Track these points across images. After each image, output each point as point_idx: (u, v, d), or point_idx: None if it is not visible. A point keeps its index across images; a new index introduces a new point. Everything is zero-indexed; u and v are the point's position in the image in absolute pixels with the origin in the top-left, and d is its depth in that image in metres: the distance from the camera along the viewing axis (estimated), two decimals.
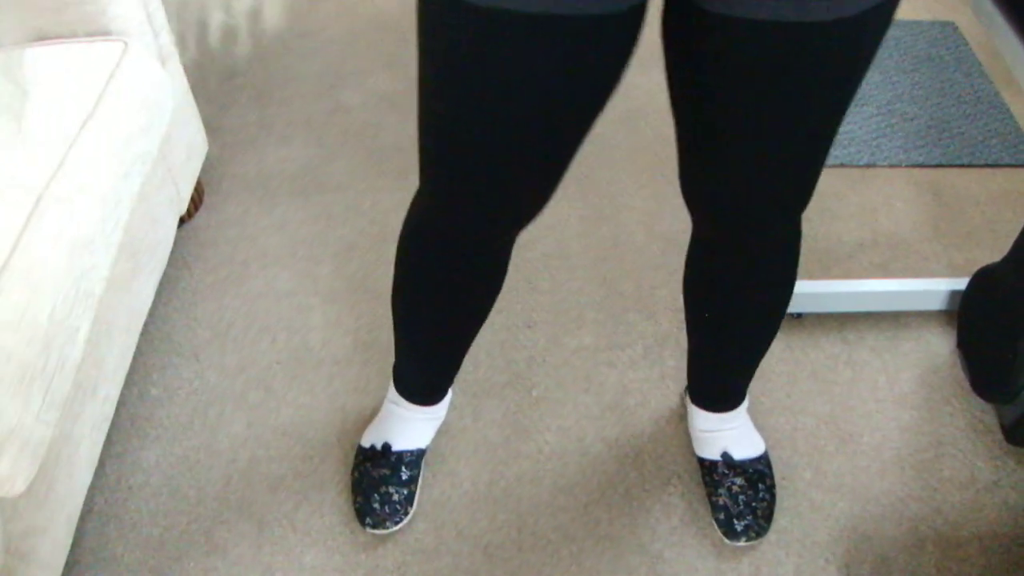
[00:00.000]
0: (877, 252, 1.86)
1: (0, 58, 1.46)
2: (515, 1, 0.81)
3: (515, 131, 0.93)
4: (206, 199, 1.96)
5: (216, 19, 2.51)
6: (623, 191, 2.00)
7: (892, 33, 2.47)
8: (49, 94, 1.38)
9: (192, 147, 1.80)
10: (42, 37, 1.54)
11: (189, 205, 1.88)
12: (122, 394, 1.62)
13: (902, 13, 2.55)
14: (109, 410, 1.44)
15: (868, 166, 2.06)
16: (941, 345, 1.69)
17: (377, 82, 2.30)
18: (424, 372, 1.43)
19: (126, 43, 1.49)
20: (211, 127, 2.14)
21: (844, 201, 1.97)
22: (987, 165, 2.07)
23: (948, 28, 2.49)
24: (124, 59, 1.46)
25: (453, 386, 1.60)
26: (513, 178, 1.00)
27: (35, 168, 1.24)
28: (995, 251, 1.87)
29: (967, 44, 2.44)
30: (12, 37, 1.55)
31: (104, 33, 1.54)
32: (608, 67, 0.91)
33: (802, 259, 1.83)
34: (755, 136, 0.97)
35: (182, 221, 1.88)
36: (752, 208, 1.09)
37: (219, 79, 2.30)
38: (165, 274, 1.81)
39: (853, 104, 2.21)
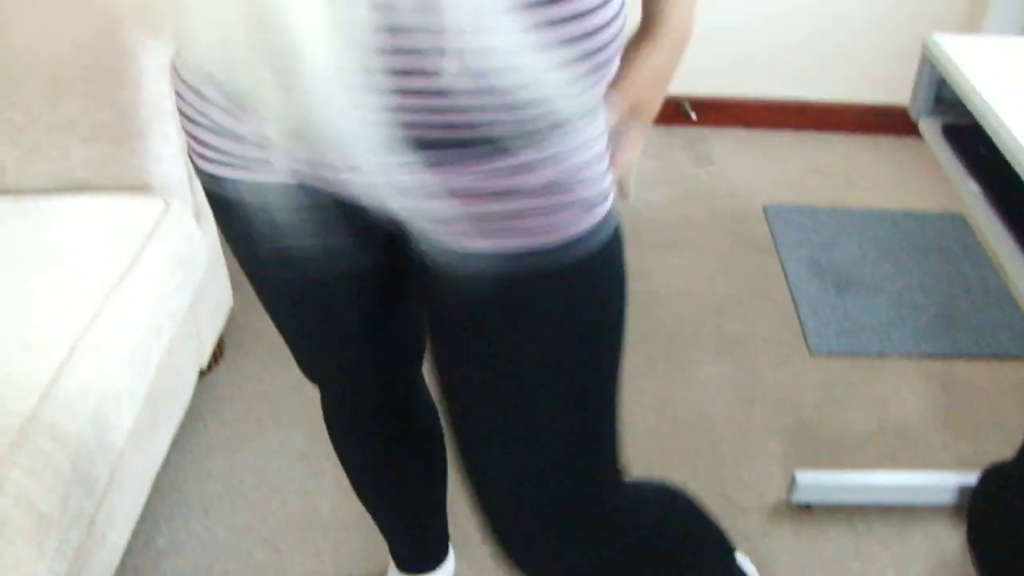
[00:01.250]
0: (886, 442, 1.87)
1: (42, 206, 1.53)
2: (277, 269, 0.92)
3: (306, 324, 1.01)
4: (226, 353, 2.00)
5: None
6: (636, 373, 2.03)
7: (903, 224, 2.54)
8: (90, 245, 1.44)
9: (218, 302, 1.85)
10: (84, 187, 1.61)
11: (210, 358, 1.91)
12: (128, 543, 1.62)
13: (913, 204, 2.63)
14: (115, 558, 1.44)
15: (878, 356, 2.09)
16: (951, 540, 1.69)
17: None
18: (400, 542, 1.43)
19: (167, 202, 1.56)
20: (235, 281, 2.19)
21: (854, 391, 1.99)
22: (996, 357, 2.10)
23: (957, 220, 2.57)
24: (164, 218, 1.52)
25: (454, 548, 1.60)
26: (333, 355, 1.06)
27: (71, 318, 1.28)
28: (1004, 444, 1.88)
29: (975, 236, 2.51)
30: (56, 185, 1.61)
31: (145, 188, 1.61)
32: (373, 292, 0.98)
33: (811, 448, 1.85)
34: (492, 424, 0.88)
35: (201, 373, 1.92)
36: (519, 523, 0.94)
37: None
38: (181, 425, 1.83)
39: (865, 293, 2.26)
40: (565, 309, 0.83)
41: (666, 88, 0.92)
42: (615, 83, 0.85)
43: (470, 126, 0.71)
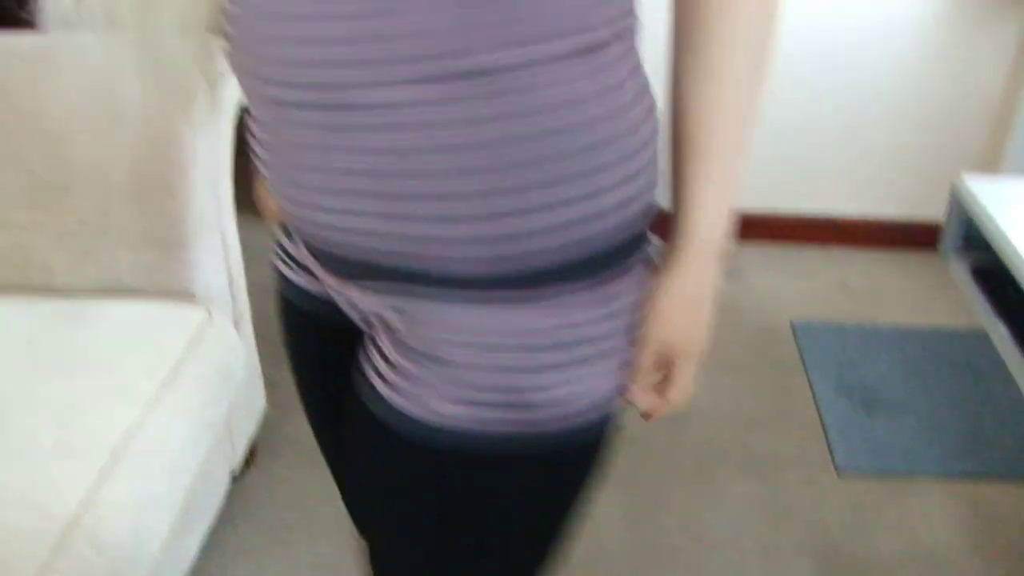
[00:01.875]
0: (916, 568, 1.85)
1: (89, 309, 1.57)
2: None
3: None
4: (259, 457, 2.02)
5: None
6: (661, 492, 2.03)
7: (932, 341, 2.55)
8: (134, 352, 1.48)
9: (252, 406, 1.88)
10: (130, 293, 1.65)
11: (242, 463, 1.93)
12: None
13: (941, 320, 2.64)
14: None
15: (907, 476, 2.08)
16: None
17: None
18: None
19: (209, 311, 1.60)
20: (269, 383, 2.22)
21: (883, 512, 1.98)
22: None
23: (985, 338, 2.57)
24: (207, 327, 1.56)
25: None
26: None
27: (113, 426, 1.32)
28: None
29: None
30: (102, 288, 1.66)
31: (188, 295, 1.65)
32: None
33: (840, 571, 1.83)
34: None
35: (233, 478, 1.93)
36: None
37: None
38: (211, 528, 1.84)
39: (893, 412, 2.26)
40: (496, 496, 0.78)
41: (704, 315, 0.80)
42: (644, 315, 0.77)
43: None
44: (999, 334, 1.16)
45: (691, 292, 0.78)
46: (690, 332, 0.79)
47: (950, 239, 1.33)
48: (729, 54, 0.72)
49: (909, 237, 2.98)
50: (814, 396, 2.33)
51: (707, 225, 0.76)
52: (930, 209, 2.92)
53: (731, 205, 0.76)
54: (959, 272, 1.30)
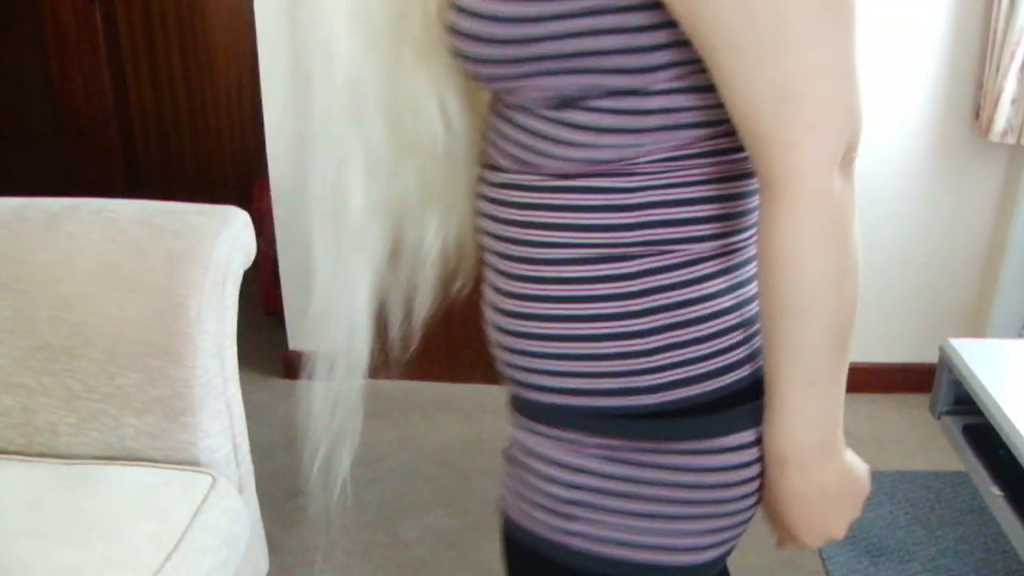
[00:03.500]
0: None
1: (93, 473, 1.58)
2: None
3: None
4: None
5: (286, 435, 2.67)
6: None
7: (934, 485, 2.55)
8: (138, 519, 1.48)
9: (256, 569, 1.87)
10: (134, 457, 1.67)
11: None
12: None
13: (942, 464, 2.64)
14: None
15: None
16: None
17: (435, 519, 2.39)
18: None
19: (214, 478, 1.61)
20: (273, 544, 2.21)
21: None
22: None
23: None
24: (211, 494, 1.57)
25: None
26: None
27: None
28: None
29: None
30: (107, 453, 1.67)
31: (193, 462, 1.67)
32: None
33: None
34: None
35: None
36: None
37: (284, 495, 2.41)
38: None
39: (898, 560, 2.24)
40: None
41: (794, 515, 0.88)
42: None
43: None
44: (991, 494, 1.18)
45: (785, 496, 0.87)
46: (799, 524, 0.88)
47: (940, 400, 1.36)
48: (792, 325, 0.80)
49: (906, 380, 3.00)
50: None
51: (776, 447, 0.85)
52: (924, 354, 2.95)
53: (810, 433, 0.85)
54: (951, 431, 1.32)
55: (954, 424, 1.33)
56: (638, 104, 0.81)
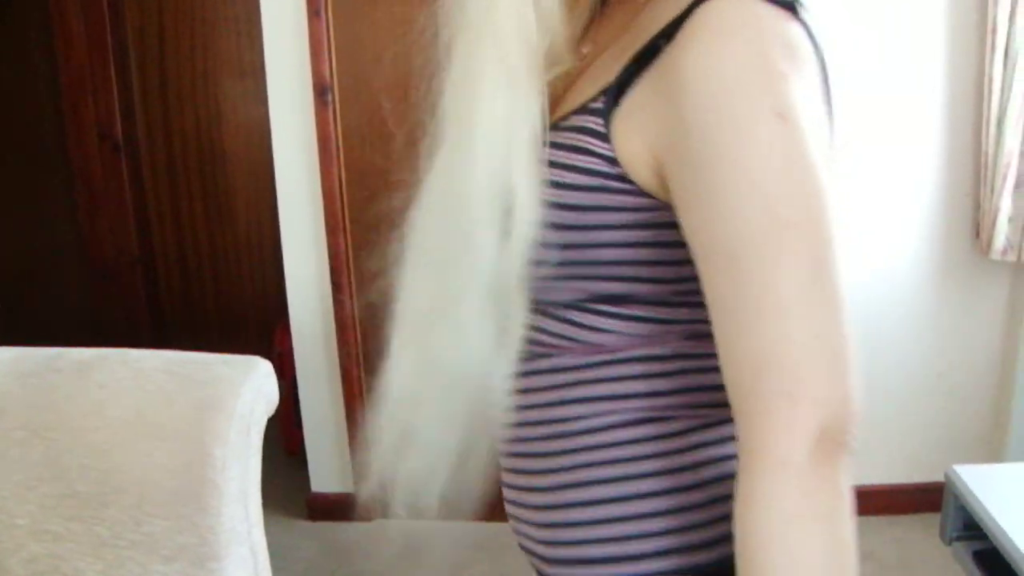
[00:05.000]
0: None
1: None
2: None
3: None
4: None
5: None
6: None
7: None
8: None
9: None
10: None
11: None
12: None
13: None
14: None
15: None
16: None
17: None
18: None
19: None
20: None
21: None
22: None
23: None
24: None
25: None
26: None
27: None
28: None
29: None
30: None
31: None
32: None
33: None
34: None
35: None
36: None
37: None
38: None
39: None
40: None
41: None
42: None
43: None
44: None
45: None
46: None
47: (949, 526, 1.38)
48: None
49: (928, 499, 2.98)
50: None
51: None
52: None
53: None
54: (962, 557, 1.33)
55: (965, 550, 1.35)
56: (667, 314, 0.86)
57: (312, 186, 2.78)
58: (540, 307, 0.92)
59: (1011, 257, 2.60)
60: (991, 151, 2.56)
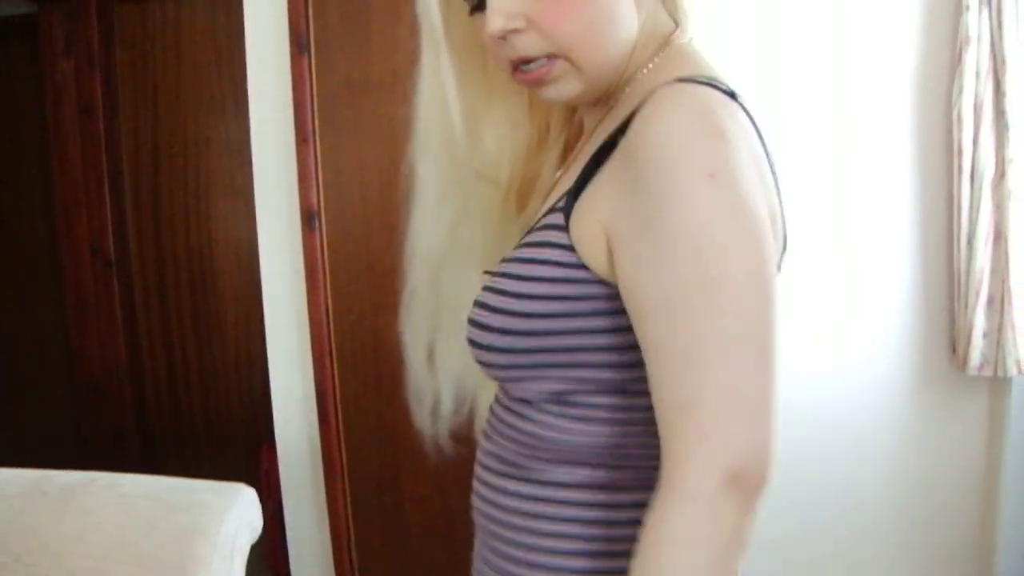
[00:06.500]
0: None
1: None
2: None
3: None
4: None
5: None
6: None
7: None
8: None
9: None
10: None
11: None
12: None
13: None
14: None
15: None
16: None
17: None
18: None
19: None
20: None
21: None
22: None
23: None
24: None
25: None
26: None
27: None
28: None
29: None
30: None
31: None
32: None
33: None
34: None
35: None
36: None
37: None
38: None
39: None
40: None
41: None
42: None
43: None
44: None
45: None
46: None
47: None
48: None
49: None
50: None
51: None
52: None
53: None
54: None
55: None
56: (627, 402, 0.92)
57: (299, 312, 2.80)
58: (506, 404, 1.01)
59: (987, 372, 2.63)
60: (963, 268, 2.62)
